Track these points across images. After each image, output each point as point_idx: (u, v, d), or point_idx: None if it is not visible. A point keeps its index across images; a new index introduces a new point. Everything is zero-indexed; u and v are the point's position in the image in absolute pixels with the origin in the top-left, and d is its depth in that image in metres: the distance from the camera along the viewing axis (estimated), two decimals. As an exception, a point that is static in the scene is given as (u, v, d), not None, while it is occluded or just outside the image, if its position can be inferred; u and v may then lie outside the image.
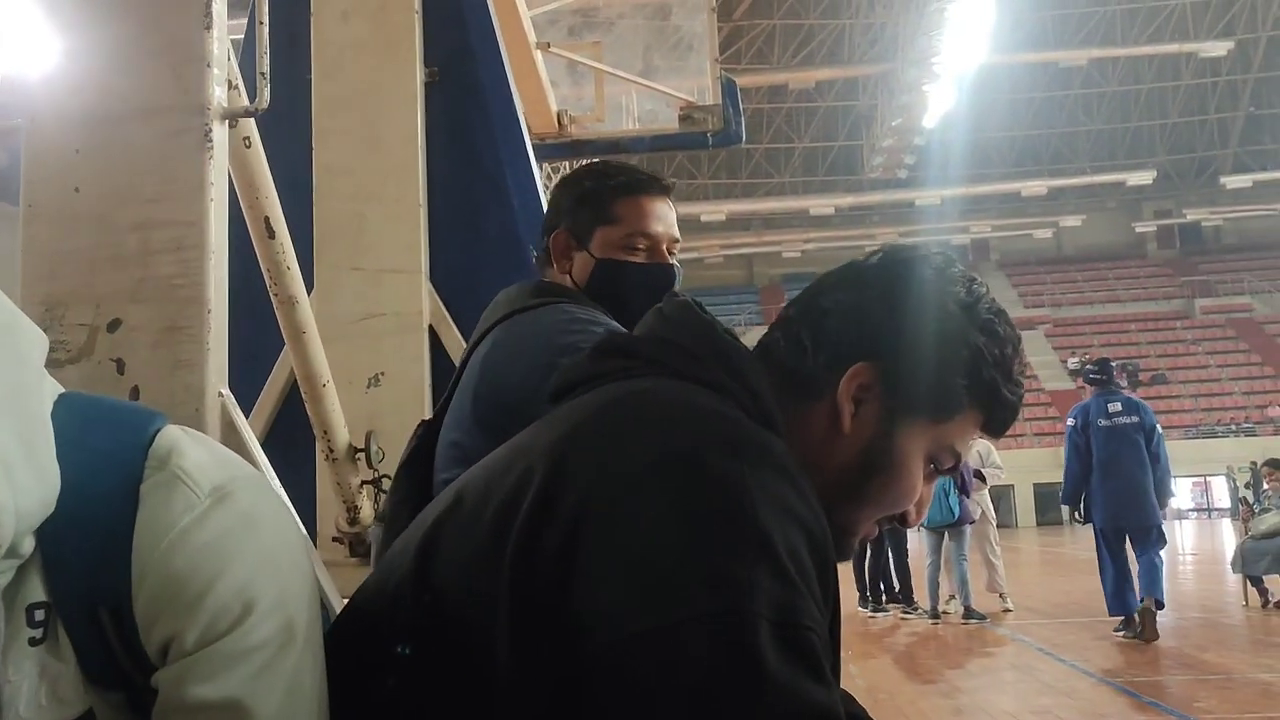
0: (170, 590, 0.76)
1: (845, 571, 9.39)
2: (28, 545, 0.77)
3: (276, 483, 1.29)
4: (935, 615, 9.20)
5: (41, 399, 0.80)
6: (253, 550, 0.79)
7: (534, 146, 5.87)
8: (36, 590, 0.77)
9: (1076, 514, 7.93)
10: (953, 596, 9.39)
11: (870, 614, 9.60)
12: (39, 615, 0.77)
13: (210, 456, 0.83)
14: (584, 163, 2.40)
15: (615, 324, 1.62)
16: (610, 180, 1.80)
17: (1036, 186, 40.95)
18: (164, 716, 0.77)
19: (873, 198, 40.96)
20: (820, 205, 40.18)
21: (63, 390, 0.85)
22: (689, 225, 34.21)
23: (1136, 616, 7.42)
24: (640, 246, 1.75)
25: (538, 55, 5.30)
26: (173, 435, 0.83)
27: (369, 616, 0.93)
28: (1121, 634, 7.56)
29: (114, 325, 1.51)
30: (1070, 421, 8.10)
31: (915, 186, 39.45)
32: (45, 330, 1.42)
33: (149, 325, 1.50)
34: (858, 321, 0.99)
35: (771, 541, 0.76)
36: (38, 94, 1.56)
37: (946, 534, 9.19)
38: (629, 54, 6.20)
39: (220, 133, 1.61)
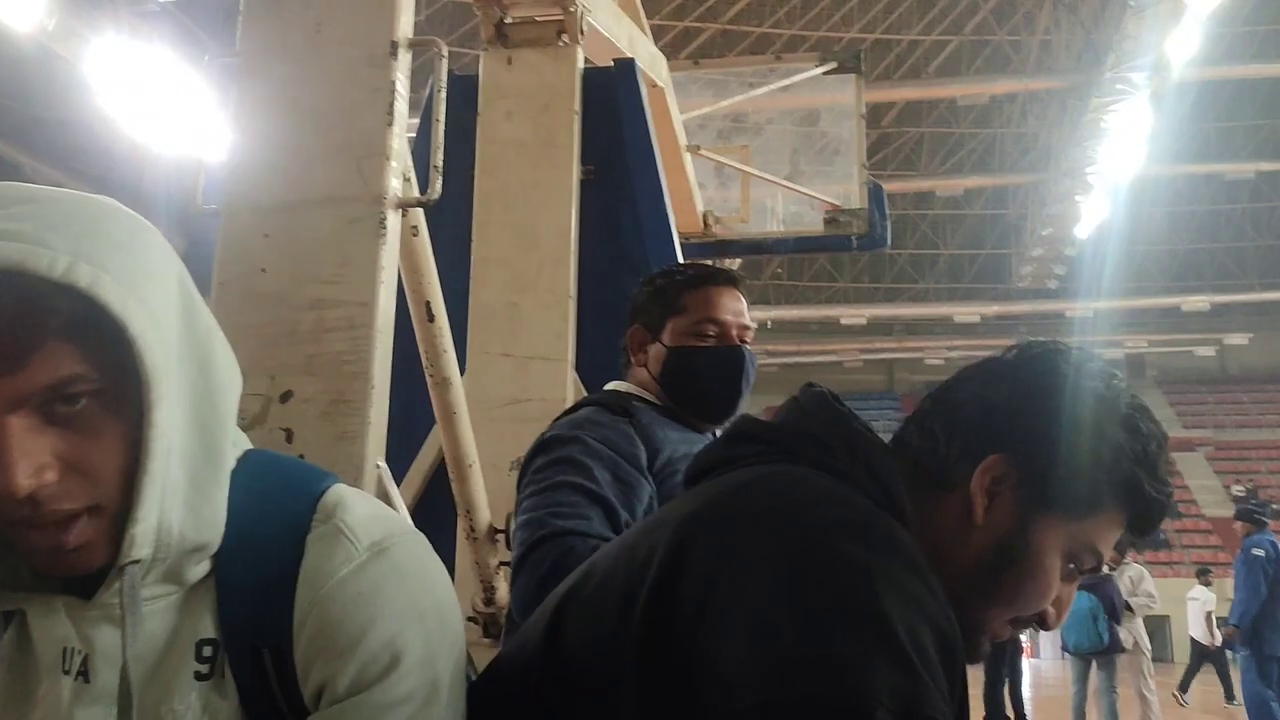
0: (326, 636, 0.81)
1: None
2: (191, 574, 0.83)
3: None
4: (1081, 749, 8.66)
5: (223, 433, 0.86)
6: (403, 603, 0.83)
7: (680, 245, 6.01)
8: (208, 628, 0.83)
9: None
10: (1100, 730, 8.82)
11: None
12: (207, 651, 0.83)
13: (373, 514, 0.89)
14: None
15: (611, 434, 1.71)
16: (679, 275, 1.92)
17: (1199, 302, 39.28)
18: None
19: (1021, 307, 39.96)
20: (965, 313, 39.46)
21: (249, 446, 0.92)
22: (829, 329, 34.02)
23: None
24: (710, 333, 1.85)
25: (687, 157, 5.44)
26: (340, 492, 0.89)
27: (502, 688, 0.96)
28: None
29: (286, 396, 1.61)
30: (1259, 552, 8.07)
31: (1066, 298, 38.34)
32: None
33: (317, 398, 1.60)
34: (992, 412, 0.98)
35: (894, 629, 0.75)
36: (233, 183, 1.71)
37: (1095, 662, 8.68)
38: (776, 158, 6.32)
39: (394, 221, 1.72)
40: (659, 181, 3.04)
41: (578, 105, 2.90)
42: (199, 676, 0.83)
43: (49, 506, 0.76)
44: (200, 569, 0.84)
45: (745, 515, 0.86)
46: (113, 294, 0.75)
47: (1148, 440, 0.99)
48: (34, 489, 0.75)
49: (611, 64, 3.15)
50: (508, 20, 2.95)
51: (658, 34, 12.62)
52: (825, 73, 6.15)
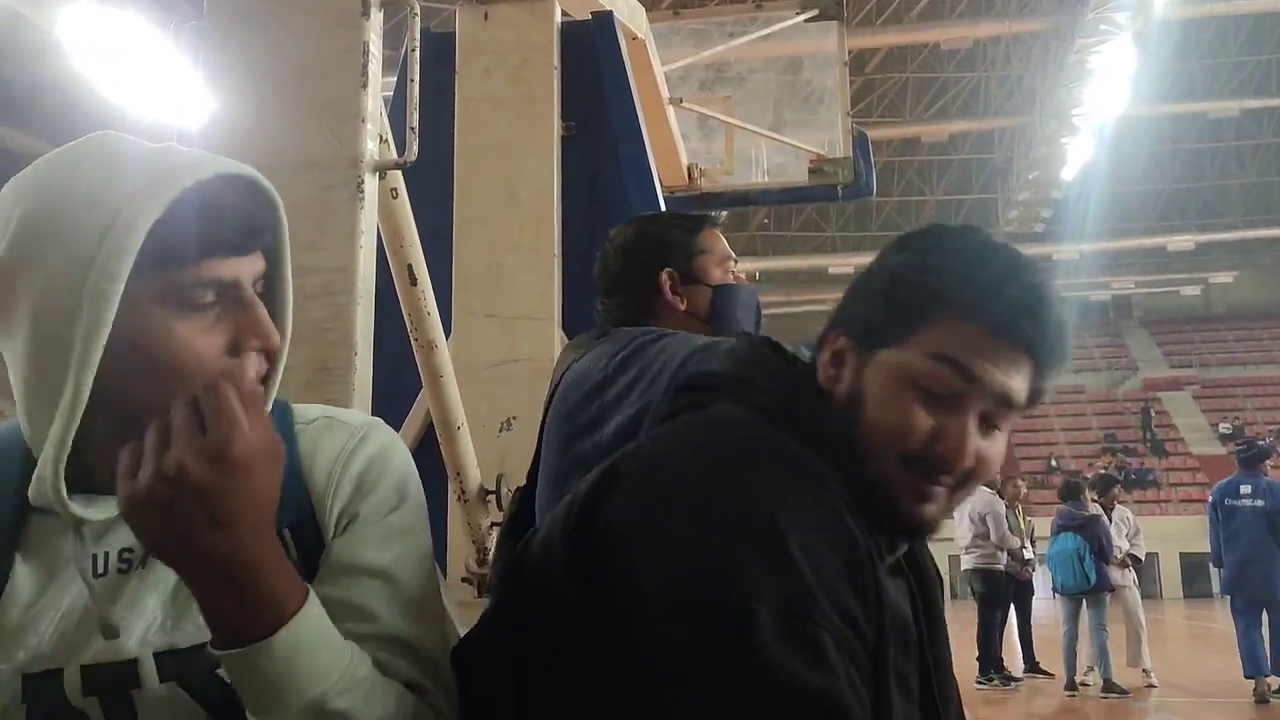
0: (355, 485, 0.98)
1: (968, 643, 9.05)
2: None
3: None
4: (1072, 687, 8.78)
5: None
6: (401, 460, 1.03)
7: (664, 199, 5.97)
8: None
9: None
10: (1091, 668, 8.94)
11: (992, 686, 9.20)
12: None
13: (338, 410, 1.08)
14: None
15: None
16: (689, 219, 1.97)
17: (1184, 241, 39.35)
18: (328, 575, 0.94)
19: (1008, 252, 39.88)
20: (953, 259, 39.34)
21: None
22: (817, 277, 33.94)
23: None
24: (733, 271, 1.90)
25: (669, 110, 5.39)
26: (302, 404, 1.06)
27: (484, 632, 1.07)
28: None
29: (269, 365, 1.59)
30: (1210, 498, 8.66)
31: (1052, 241, 38.35)
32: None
33: (301, 366, 1.58)
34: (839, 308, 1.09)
35: (787, 544, 0.85)
36: (207, 149, 1.68)
37: (1084, 601, 8.79)
38: (759, 108, 6.25)
39: (371, 184, 1.70)
40: (641, 135, 3.01)
41: (556, 60, 2.86)
42: None
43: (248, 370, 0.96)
44: None
45: (666, 451, 0.98)
46: (282, 218, 0.98)
47: (926, 251, 1.02)
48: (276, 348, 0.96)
49: (589, 17, 3.10)
50: (483, -26, 2.89)
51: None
52: (807, 20, 6.07)
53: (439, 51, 2.90)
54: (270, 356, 0.95)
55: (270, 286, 0.97)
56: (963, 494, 1.01)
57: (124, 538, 0.93)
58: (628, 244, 1.94)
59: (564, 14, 3.01)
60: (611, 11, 3.12)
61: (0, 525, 0.95)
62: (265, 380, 0.96)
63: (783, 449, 0.94)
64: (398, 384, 2.51)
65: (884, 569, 0.97)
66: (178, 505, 0.78)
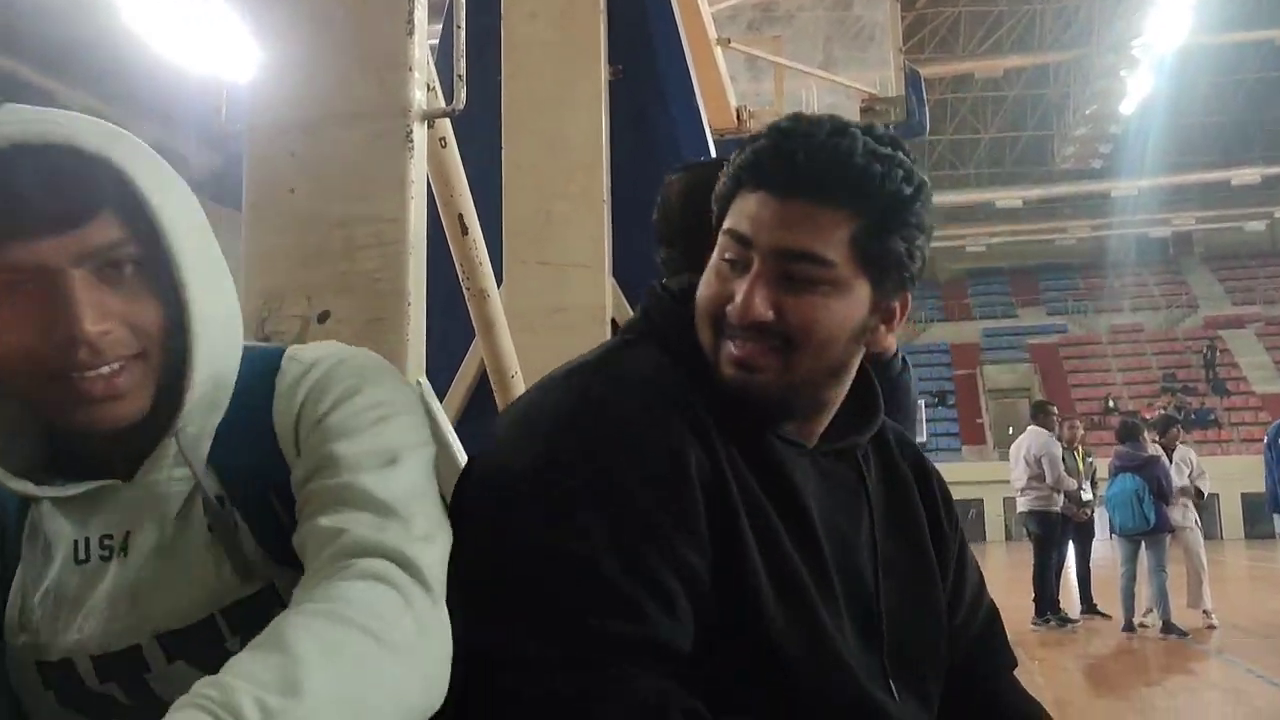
0: (305, 415, 0.98)
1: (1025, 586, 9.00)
2: (203, 444, 0.97)
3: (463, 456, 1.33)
4: (1130, 628, 8.72)
5: (237, 320, 1.02)
6: (349, 369, 1.02)
7: (714, 142, 5.90)
8: (214, 486, 0.96)
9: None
10: (1150, 609, 8.86)
11: (1048, 627, 9.15)
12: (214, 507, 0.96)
13: (325, 348, 1.07)
14: None
15: None
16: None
17: (1249, 175, 38.19)
18: (301, 483, 0.96)
19: (1064, 189, 39.10)
20: (1007, 198, 38.67)
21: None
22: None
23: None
24: None
25: (717, 51, 5.31)
26: (303, 346, 1.06)
27: None
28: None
29: (323, 317, 1.60)
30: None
31: (1110, 177, 37.43)
32: (263, 320, 1.52)
33: (354, 317, 1.59)
34: None
35: (594, 452, 0.95)
36: (256, 102, 1.68)
37: (1143, 543, 8.69)
38: (809, 47, 6.14)
39: (420, 133, 1.68)
40: (689, 78, 2.96)
41: (603, 4, 2.81)
42: (210, 530, 0.95)
43: (108, 352, 0.87)
44: (208, 438, 0.97)
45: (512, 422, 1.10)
46: (144, 178, 0.88)
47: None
48: (97, 335, 0.85)
49: (634, -43, 3.04)
50: (525, -84, 2.84)
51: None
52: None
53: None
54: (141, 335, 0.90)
55: (147, 254, 0.89)
56: (792, 358, 1.02)
57: (103, 524, 0.94)
58: (688, 191, 1.91)
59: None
60: (653, -51, 3.05)
61: (8, 511, 0.98)
62: (141, 356, 0.90)
63: (638, 376, 1.04)
64: (451, 334, 2.52)
65: (746, 468, 1.01)
66: None
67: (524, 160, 2.79)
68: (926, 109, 5.80)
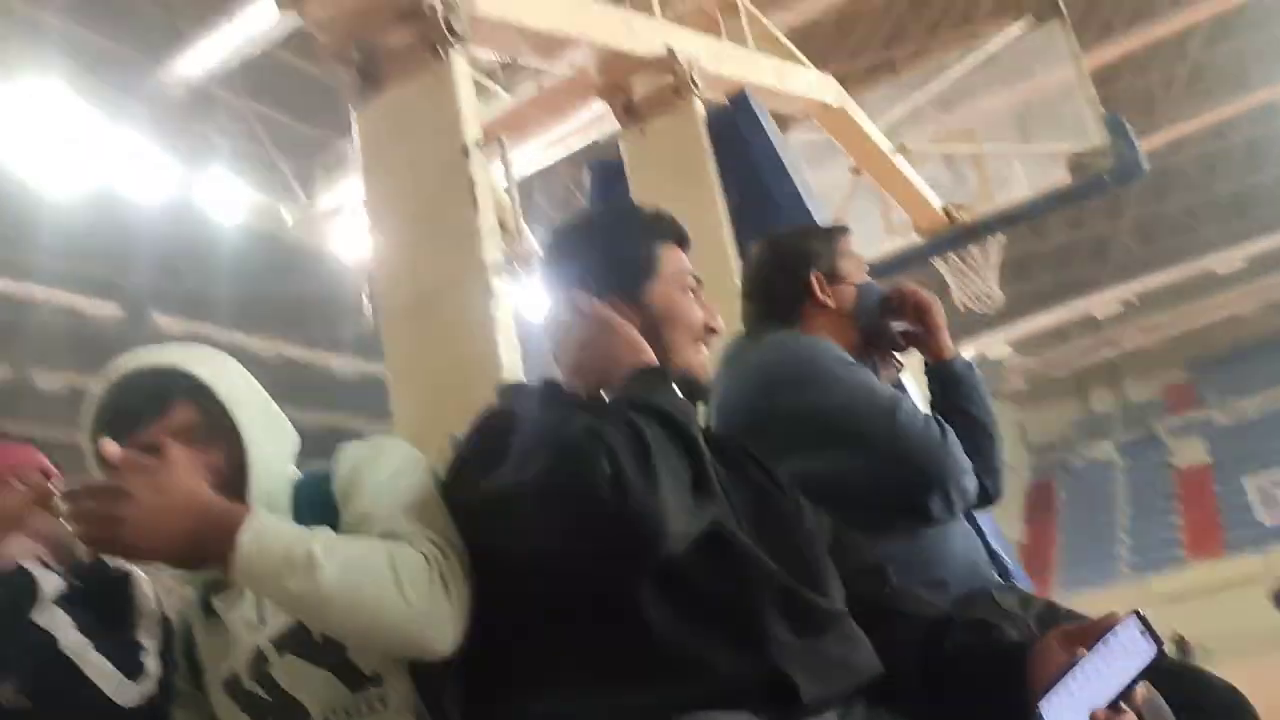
0: (342, 487, 1.31)
1: None
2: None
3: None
4: None
5: (285, 464, 1.40)
6: (363, 451, 1.35)
7: (929, 245, 6.00)
8: None
9: None
10: None
11: None
12: None
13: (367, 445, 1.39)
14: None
15: None
16: (820, 227, 2.11)
17: None
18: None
19: None
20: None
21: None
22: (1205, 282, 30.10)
23: None
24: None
25: (899, 160, 5.51)
26: None
27: None
28: None
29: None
30: None
31: None
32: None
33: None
34: None
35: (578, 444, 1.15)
36: (375, 285, 2.20)
37: None
38: (1002, 126, 6.19)
39: (498, 285, 2.11)
40: (798, 195, 3.25)
41: (707, 145, 3.20)
42: None
43: None
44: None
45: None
46: (206, 373, 1.31)
47: (612, 228, 1.50)
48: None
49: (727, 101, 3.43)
50: (635, 99, 3.33)
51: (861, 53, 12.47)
52: (1025, 29, 6.01)
53: (612, 173, 3.35)
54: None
55: (216, 421, 1.30)
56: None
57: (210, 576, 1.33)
58: (774, 253, 2.16)
59: (714, 101, 3.36)
60: (744, 91, 3.43)
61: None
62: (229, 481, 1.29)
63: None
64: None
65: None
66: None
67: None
68: (1138, 148, 5.63)
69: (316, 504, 1.35)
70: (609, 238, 1.47)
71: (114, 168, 9.57)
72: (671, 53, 3.19)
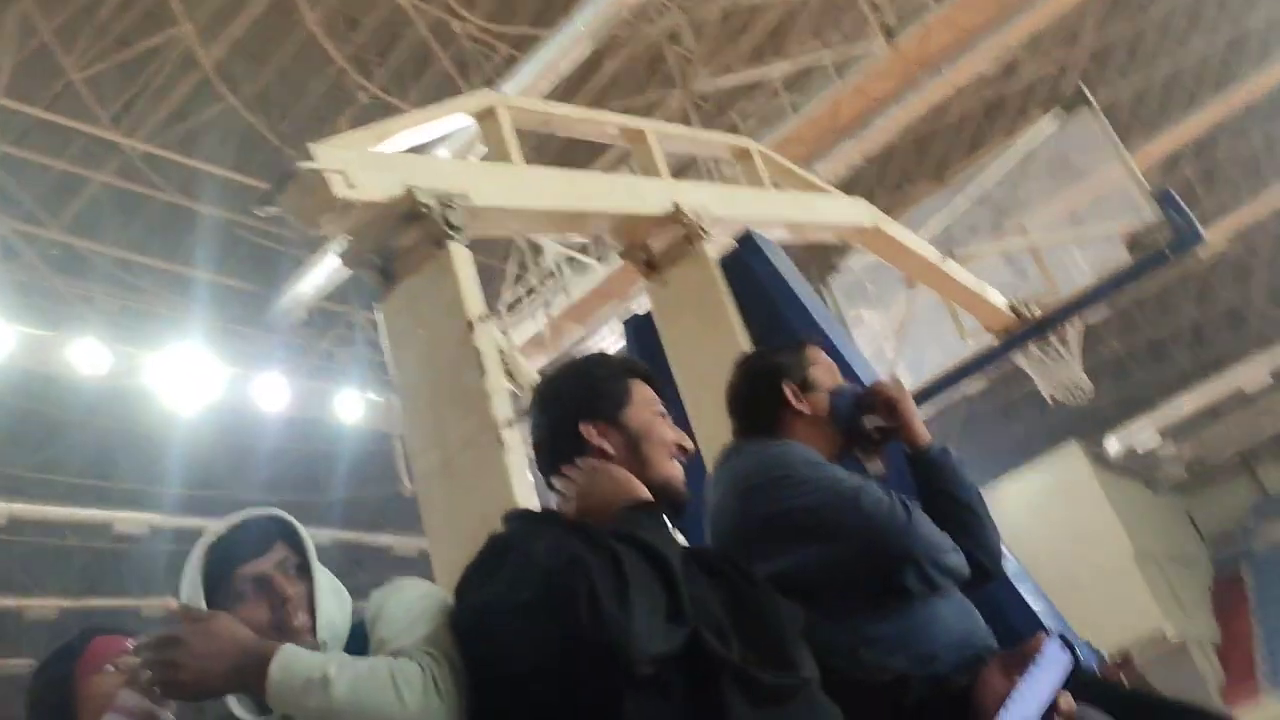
0: (371, 617, 1.62)
1: None
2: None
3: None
4: None
5: (344, 600, 1.71)
6: (386, 594, 1.65)
7: (1003, 345, 6.04)
8: None
9: None
10: None
11: None
12: None
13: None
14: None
15: None
16: (789, 343, 2.31)
17: None
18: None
19: None
20: None
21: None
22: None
23: None
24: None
25: (951, 266, 5.62)
26: None
27: None
28: None
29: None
30: None
31: None
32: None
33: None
34: None
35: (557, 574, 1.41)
36: (408, 457, 2.45)
37: None
38: (1053, 216, 6.27)
39: (509, 435, 2.35)
40: (810, 316, 3.43)
41: (723, 285, 3.42)
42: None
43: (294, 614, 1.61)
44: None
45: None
46: (296, 525, 1.67)
47: (588, 372, 1.84)
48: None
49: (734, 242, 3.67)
50: (654, 254, 3.60)
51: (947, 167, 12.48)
52: (1056, 118, 6.16)
53: (645, 326, 3.61)
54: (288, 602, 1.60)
55: (303, 561, 1.64)
56: None
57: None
58: (750, 372, 2.36)
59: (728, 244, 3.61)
60: (748, 229, 3.66)
61: None
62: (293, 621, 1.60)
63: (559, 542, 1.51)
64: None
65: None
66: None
67: (711, 434, 3.34)
68: (1194, 218, 5.63)
69: (359, 635, 1.65)
70: (590, 377, 1.80)
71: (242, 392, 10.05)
72: (678, 207, 3.46)
